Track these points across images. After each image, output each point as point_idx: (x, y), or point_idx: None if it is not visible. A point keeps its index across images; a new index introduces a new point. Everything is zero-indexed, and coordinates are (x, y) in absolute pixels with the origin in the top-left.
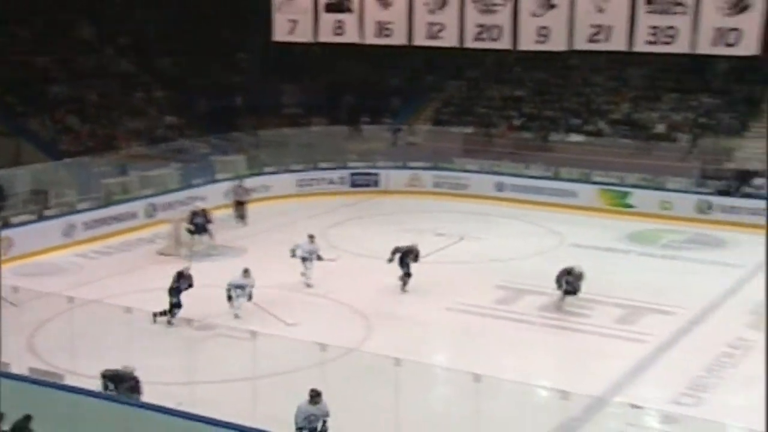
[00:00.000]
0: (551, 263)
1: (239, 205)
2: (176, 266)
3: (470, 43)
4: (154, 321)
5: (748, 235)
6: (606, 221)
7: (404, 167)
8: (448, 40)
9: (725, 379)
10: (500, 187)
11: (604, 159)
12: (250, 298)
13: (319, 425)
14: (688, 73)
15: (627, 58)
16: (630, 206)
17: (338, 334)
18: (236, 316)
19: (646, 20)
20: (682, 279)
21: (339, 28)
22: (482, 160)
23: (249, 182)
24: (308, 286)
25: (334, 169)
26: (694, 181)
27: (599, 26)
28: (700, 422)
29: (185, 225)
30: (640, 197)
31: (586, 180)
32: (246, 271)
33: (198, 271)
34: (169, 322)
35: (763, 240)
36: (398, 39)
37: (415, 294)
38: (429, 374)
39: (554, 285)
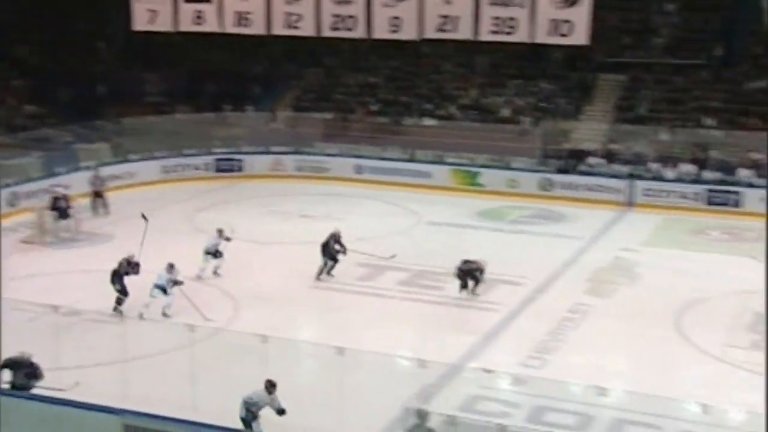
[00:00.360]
0: (410, 240)
1: (97, 196)
2: (39, 254)
3: (327, 32)
4: (115, 310)
5: (585, 210)
6: (458, 200)
7: (267, 152)
8: (306, 29)
9: (566, 342)
10: (359, 169)
11: (456, 141)
12: (176, 284)
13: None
14: (528, 61)
15: (474, 47)
16: (480, 185)
17: (207, 314)
18: (141, 316)
19: (488, 11)
20: (528, 251)
21: (199, 17)
22: (342, 144)
23: (115, 170)
24: (208, 276)
25: (198, 155)
26: (536, 161)
27: (446, 17)
28: (545, 382)
29: (49, 212)
30: (488, 177)
31: (439, 161)
32: (171, 266)
33: (65, 257)
34: (116, 309)
35: (597, 213)
36: (257, 28)
37: (281, 273)
38: (295, 350)
39: (455, 277)
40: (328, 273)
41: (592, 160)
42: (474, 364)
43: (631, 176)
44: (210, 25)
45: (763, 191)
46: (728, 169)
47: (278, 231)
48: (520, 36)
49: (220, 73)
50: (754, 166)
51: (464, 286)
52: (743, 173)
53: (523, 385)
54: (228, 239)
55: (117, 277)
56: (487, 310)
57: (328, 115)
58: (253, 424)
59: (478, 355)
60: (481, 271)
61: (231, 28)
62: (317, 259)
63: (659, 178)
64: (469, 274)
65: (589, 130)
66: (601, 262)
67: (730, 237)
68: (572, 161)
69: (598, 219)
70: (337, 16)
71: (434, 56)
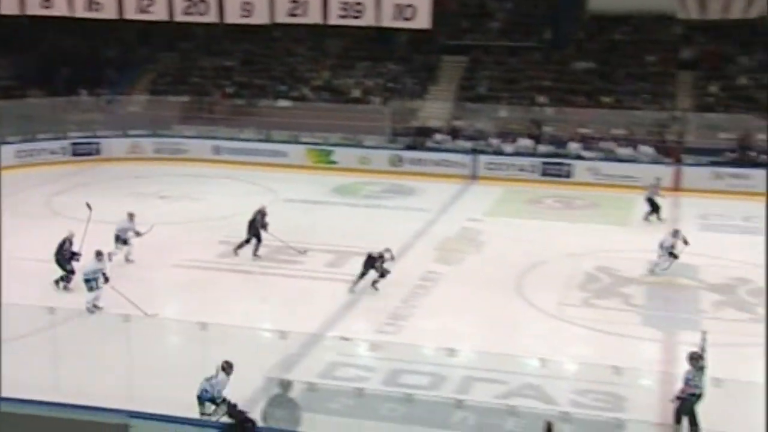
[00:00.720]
0: (268, 218)
1: None
2: None
3: (179, 17)
4: (59, 287)
5: (433, 183)
6: (314, 177)
7: (124, 135)
8: (158, 14)
9: (419, 308)
10: (217, 150)
11: (310, 122)
12: (106, 280)
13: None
14: (376, 44)
15: (325, 30)
16: (334, 162)
17: (69, 297)
18: (96, 307)
19: None
20: (381, 224)
21: (47, 1)
22: (199, 127)
23: None
24: (129, 261)
25: (53, 139)
26: (386, 139)
27: (296, 2)
28: (399, 346)
29: None
30: (342, 154)
31: (294, 141)
32: (99, 254)
33: None
34: (66, 288)
35: (444, 186)
36: (108, 13)
37: (144, 254)
38: (159, 327)
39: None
40: (255, 254)
41: (438, 136)
42: (333, 333)
43: (474, 151)
44: (59, 9)
45: (590, 163)
46: (560, 143)
47: (138, 212)
48: (366, 20)
49: (73, 57)
50: (582, 139)
51: (383, 274)
52: (573, 146)
53: (380, 350)
54: (139, 234)
55: (65, 258)
56: (343, 282)
57: (185, 98)
58: (206, 404)
59: (336, 325)
60: (384, 260)
61: (81, 13)
62: (177, 238)
63: (499, 153)
64: (373, 265)
65: (434, 109)
66: (448, 232)
67: (562, 205)
68: (420, 138)
69: (444, 192)
70: (189, 1)
71: (287, 40)
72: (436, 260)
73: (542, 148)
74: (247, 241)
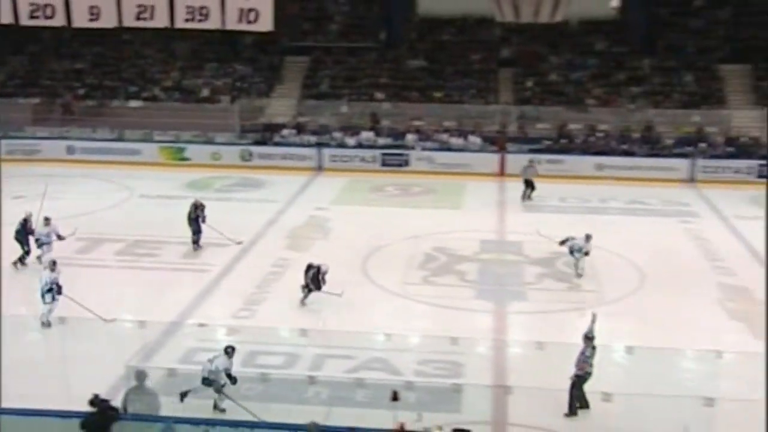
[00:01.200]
0: (124, 213)
1: None
2: None
3: (25, 21)
4: (16, 267)
5: (281, 176)
6: (167, 174)
7: None
8: (2, 18)
9: (272, 293)
10: (71, 150)
11: (162, 121)
12: (59, 290)
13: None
14: (223, 46)
15: (173, 33)
16: (186, 159)
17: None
18: (44, 324)
19: (182, 1)
20: (234, 216)
21: None
22: (52, 128)
23: None
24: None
25: None
26: (236, 135)
27: (143, 6)
28: (255, 330)
29: None
30: (194, 151)
31: (147, 140)
32: (53, 263)
33: None
34: (25, 264)
35: (292, 178)
36: None
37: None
38: (18, 323)
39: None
40: (196, 246)
41: (284, 132)
42: (191, 320)
43: (318, 145)
44: None
45: (425, 153)
46: (397, 135)
47: None
48: (212, 23)
49: None
50: (417, 131)
51: (310, 290)
52: (409, 138)
53: (236, 334)
54: (61, 237)
55: (24, 235)
56: (200, 271)
57: (36, 100)
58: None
59: (194, 312)
60: (323, 274)
61: None
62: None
63: (343, 145)
64: (313, 279)
65: (280, 106)
66: (297, 221)
67: (401, 192)
68: (267, 134)
69: (292, 184)
70: (33, 4)
71: (136, 42)
72: (287, 247)
73: (382, 141)
74: (194, 234)
